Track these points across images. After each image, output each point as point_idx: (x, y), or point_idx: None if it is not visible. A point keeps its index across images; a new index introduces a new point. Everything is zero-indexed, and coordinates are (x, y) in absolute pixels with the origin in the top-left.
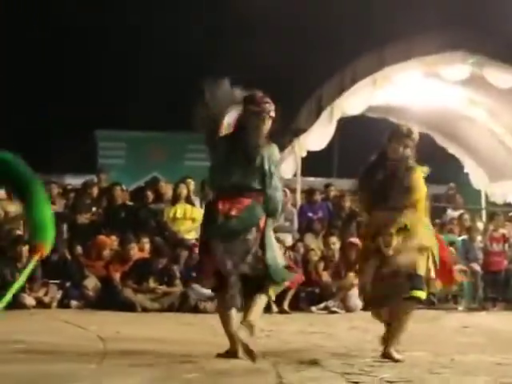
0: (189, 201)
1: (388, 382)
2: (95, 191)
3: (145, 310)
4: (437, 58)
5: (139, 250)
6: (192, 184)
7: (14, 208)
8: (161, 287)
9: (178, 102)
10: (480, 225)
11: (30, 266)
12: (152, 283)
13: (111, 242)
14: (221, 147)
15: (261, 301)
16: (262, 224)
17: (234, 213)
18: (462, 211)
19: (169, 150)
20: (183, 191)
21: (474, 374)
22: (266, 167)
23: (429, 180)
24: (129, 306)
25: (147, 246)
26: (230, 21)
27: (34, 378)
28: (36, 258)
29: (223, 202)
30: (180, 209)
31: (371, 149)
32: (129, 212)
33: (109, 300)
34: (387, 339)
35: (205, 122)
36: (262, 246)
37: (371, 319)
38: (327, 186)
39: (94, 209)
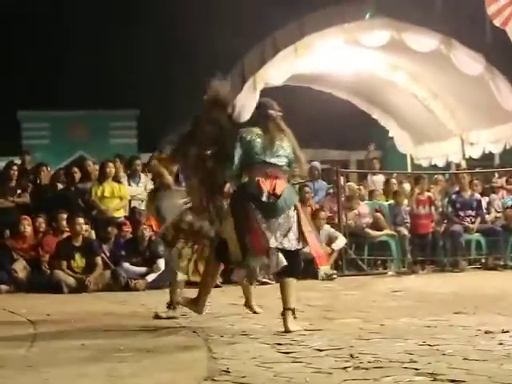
0: (116, 179)
1: (318, 350)
2: (20, 173)
3: (76, 290)
4: (356, 24)
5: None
6: (119, 162)
7: None
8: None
9: (102, 79)
10: (407, 187)
11: None
12: (78, 260)
13: (38, 223)
14: (250, 134)
15: (294, 283)
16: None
17: (278, 191)
18: (392, 176)
19: (92, 129)
20: (111, 169)
21: (404, 338)
22: (291, 151)
23: (354, 146)
24: (58, 288)
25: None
26: None
27: None
28: None
29: (263, 181)
30: (108, 187)
31: (294, 117)
32: (56, 192)
33: (38, 282)
34: None
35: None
36: (299, 223)
37: (302, 289)
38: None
39: (19, 191)
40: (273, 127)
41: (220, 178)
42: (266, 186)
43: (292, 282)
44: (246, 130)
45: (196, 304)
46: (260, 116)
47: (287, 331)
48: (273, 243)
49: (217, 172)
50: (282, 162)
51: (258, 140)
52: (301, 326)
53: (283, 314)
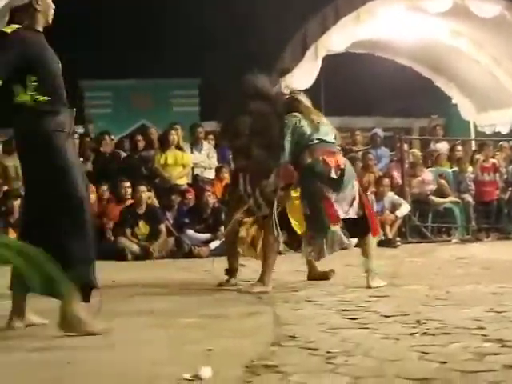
0: (179, 147)
1: (385, 316)
2: (84, 142)
3: (140, 257)
4: None
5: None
6: (180, 129)
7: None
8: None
9: (165, 47)
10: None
11: None
12: (142, 228)
13: (102, 191)
14: (296, 120)
15: (372, 242)
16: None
17: (342, 165)
18: (456, 142)
19: (155, 97)
20: (174, 137)
21: (470, 305)
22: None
23: (416, 113)
24: (122, 255)
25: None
26: None
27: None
28: None
29: (328, 159)
30: (170, 155)
31: (356, 85)
32: (119, 160)
33: (103, 250)
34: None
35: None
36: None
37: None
38: None
39: (81, 160)
40: (306, 109)
41: (266, 165)
42: (331, 162)
43: (370, 240)
44: (291, 118)
45: (262, 281)
46: (292, 102)
47: (369, 287)
48: (341, 214)
49: (263, 159)
50: (332, 137)
51: (304, 123)
52: (385, 281)
53: (366, 272)
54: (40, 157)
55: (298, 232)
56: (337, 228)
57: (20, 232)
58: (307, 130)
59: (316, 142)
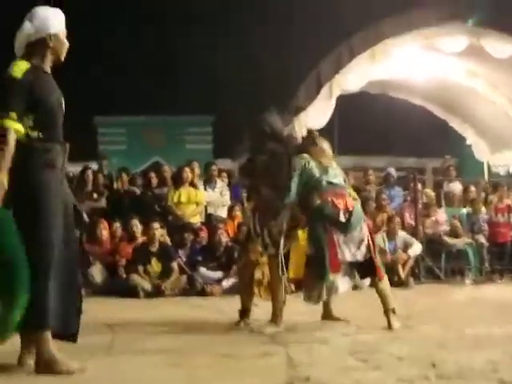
0: (193, 184)
1: (398, 357)
2: (98, 178)
3: (152, 295)
4: (435, 30)
5: (143, 234)
6: (197, 167)
7: None
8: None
9: (178, 85)
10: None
11: None
12: (155, 265)
13: (115, 228)
14: (305, 162)
15: (386, 283)
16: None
17: (350, 208)
18: (471, 184)
19: (169, 134)
20: (188, 175)
21: (485, 347)
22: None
23: (430, 153)
24: (135, 292)
25: (158, 232)
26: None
27: None
28: None
29: (336, 199)
30: (184, 192)
31: (370, 124)
32: (132, 197)
33: (115, 287)
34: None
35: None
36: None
37: (376, 296)
38: None
39: (95, 195)
40: (318, 151)
41: (275, 205)
42: (340, 205)
43: (385, 282)
44: (300, 159)
45: (274, 321)
46: (305, 142)
47: (391, 328)
48: (348, 257)
49: (271, 199)
50: (341, 179)
51: (313, 164)
52: (400, 323)
53: (386, 314)
54: (23, 191)
55: (291, 276)
56: (336, 277)
57: None
58: (316, 171)
59: (325, 184)
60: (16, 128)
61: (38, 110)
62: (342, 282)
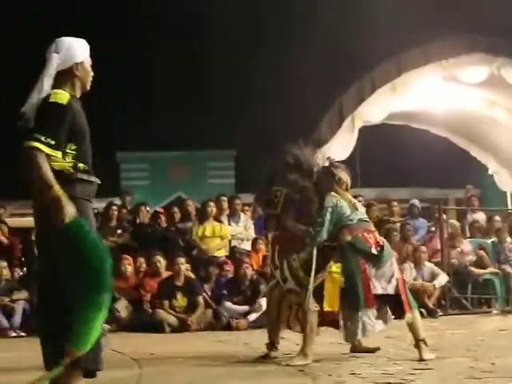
0: (217, 218)
1: None
2: (121, 213)
3: (177, 330)
4: (454, 61)
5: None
6: (225, 201)
7: None
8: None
9: (200, 119)
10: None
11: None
12: (180, 300)
13: (139, 263)
14: (336, 200)
15: (415, 315)
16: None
17: (381, 242)
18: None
19: (191, 169)
20: (212, 209)
21: None
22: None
23: (452, 184)
24: (160, 327)
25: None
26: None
27: None
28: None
29: (366, 234)
30: (209, 227)
31: (392, 156)
32: (156, 232)
33: (140, 322)
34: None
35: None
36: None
37: (404, 327)
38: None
39: (119, 231)
40: (340, 188)
41: (298, 239)
42: (370, 239)
43: (415, 314)
44: (331, 197)
45: (304, 354)
46: (325, 177)
47: (423, 360)
48: (379, 290)
49: (296, 233)
50: (367, 216)
51: (344, 203)
52: (433, 354)
53: (417, 345)
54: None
55: (327, 309)
56: (369, 312)
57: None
58: (347, 210)
59: (356, 220)
60: (50, 154)
61: (79, 138)
62: (378, 323)
